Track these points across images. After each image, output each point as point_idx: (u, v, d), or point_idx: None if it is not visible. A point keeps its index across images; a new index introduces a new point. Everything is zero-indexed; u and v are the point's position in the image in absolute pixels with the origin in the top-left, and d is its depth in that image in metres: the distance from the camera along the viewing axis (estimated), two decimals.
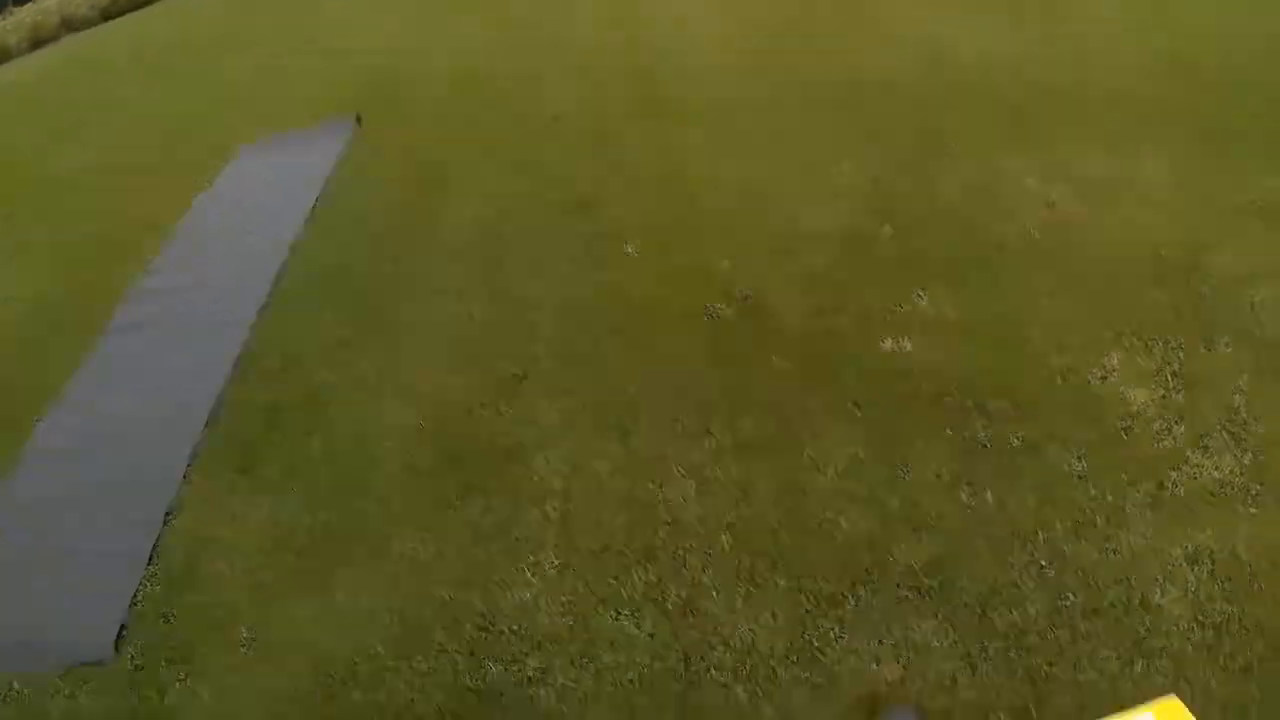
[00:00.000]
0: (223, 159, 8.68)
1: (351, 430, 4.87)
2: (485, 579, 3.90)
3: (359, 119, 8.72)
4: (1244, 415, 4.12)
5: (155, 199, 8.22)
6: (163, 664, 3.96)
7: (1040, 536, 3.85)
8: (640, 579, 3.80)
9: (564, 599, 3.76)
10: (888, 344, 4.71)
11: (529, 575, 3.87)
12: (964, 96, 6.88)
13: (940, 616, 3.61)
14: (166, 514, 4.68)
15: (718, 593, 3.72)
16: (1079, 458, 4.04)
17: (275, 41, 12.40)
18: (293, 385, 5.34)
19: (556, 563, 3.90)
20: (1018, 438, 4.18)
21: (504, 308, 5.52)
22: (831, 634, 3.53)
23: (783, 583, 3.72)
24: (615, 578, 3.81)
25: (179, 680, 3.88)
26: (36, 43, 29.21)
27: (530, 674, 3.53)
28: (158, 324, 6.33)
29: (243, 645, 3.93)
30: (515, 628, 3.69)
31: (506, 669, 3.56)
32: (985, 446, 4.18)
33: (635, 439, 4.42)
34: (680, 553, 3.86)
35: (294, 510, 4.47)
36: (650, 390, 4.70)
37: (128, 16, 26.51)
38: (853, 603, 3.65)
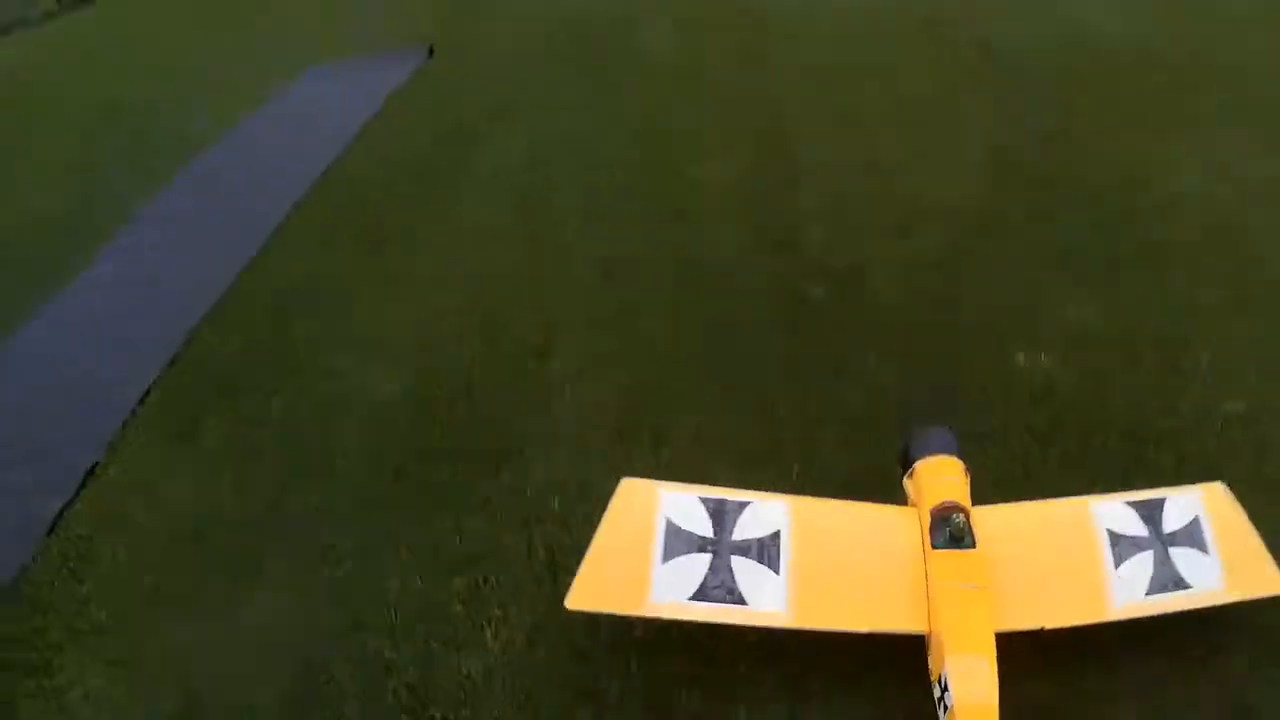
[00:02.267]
0: (289, 79, 7.82)
1: (319, 397, 3.79)
2: (429, 630, 2.75)
3: (431, 50, 7.73)
4: None
5: (200, 115, 7.39)
6: (20, 673, 2.95)
7: None
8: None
9: (528, 682, 2.58)
10: (1020, 358, 3.57)
11: (489, 638, 2.70)
12: (1108, 75, 5.70)
13: None
14: (88, 471, 3.71)
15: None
16: None
17: None
18: (270, 333, 4.31)
19: (530, 623, 2.72)
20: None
21: (540, 257, 4.38)
22: None
23: None
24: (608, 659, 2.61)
25: (30, 695, 2.88)
26: None
27: None
28: (157, 247, 5.45)
29: (112, 665, 2.89)
30: (450, 715, 2.52)
31: None
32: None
33: (670, 452, 3.21)
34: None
35: (224, 493, 3.42)
36: (701, 387, 3.52)
37: None
38: None
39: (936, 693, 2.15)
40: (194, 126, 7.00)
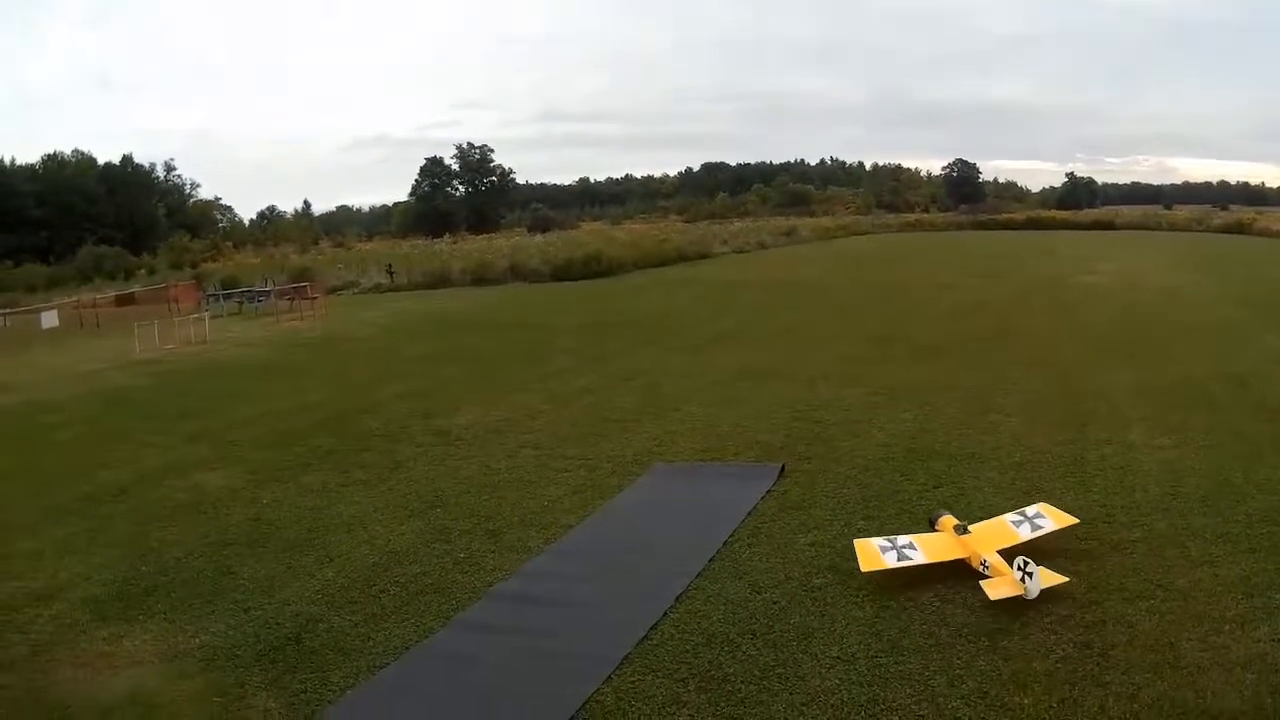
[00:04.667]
0: (636, 472, 8.14)
1: None
2: None
3: (783, 469, 7.80)
4: None
5: (548, 493, 7.73)
6: None
7: None
8: None
9: None
10: None
11: None
12: None
13: None
14: None
15: None
16: None
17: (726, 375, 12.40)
18: None
19: None
20: None
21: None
22: None
23: None
24: None
25: None
26: (479, 280, 29.21)
27: None
28: (504, 633, 5.35)
29: None
30: None
31: None
32: None
33: None
34: None
35: None
36: None
37: (578, 284, 27.38)
38: None
39: (978, 567, 5.77)
40: (557, 508, 7.32)
